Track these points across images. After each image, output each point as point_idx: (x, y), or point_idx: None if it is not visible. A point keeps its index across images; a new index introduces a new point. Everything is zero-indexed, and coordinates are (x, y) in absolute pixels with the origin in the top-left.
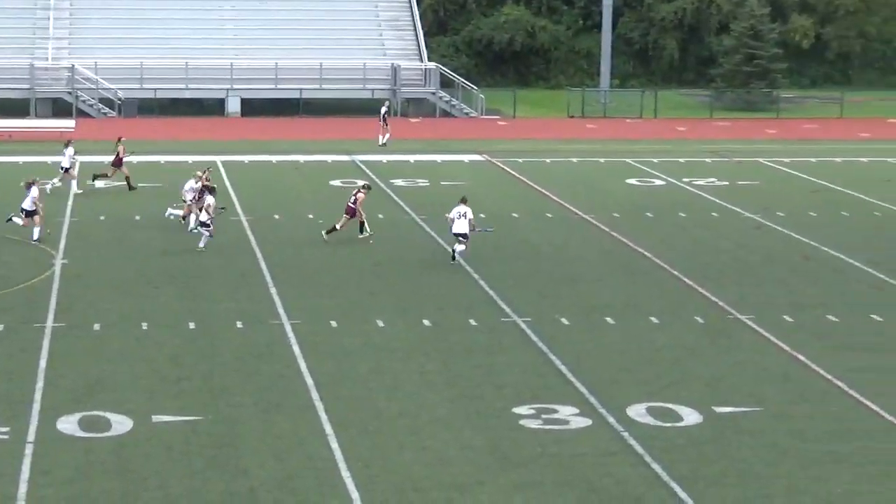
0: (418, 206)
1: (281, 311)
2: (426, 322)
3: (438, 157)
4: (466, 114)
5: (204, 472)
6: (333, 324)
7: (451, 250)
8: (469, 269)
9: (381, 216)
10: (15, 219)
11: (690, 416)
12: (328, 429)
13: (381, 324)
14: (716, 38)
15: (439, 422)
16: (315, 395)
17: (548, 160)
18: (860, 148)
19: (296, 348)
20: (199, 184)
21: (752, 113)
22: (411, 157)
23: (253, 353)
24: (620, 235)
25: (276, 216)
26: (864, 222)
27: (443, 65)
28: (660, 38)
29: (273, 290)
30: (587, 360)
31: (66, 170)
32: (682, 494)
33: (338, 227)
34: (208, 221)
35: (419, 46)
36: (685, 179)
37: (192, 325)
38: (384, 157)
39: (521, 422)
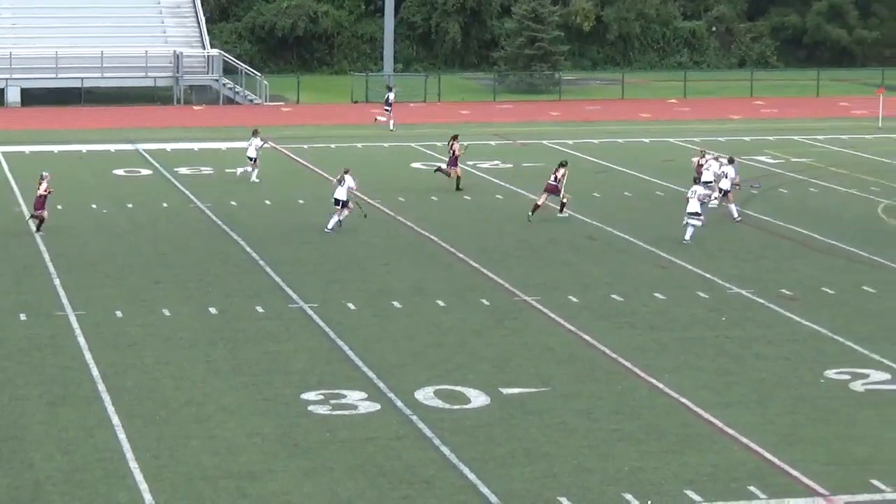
0: (203, 194)
1: (65, 302)
2: (212, 310)
3: (223, 145)
4: (250, 100)
5: None
6: (118, 314)
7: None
8: (255, 256)
9: (165, 204)
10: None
11: (478, 398)
12: (115, 420)
13: (166, 313)
14: (498, 22)
15: (227, 410)
16: (101, 386)
17: (332, 146)
18: (641, 129)
19: (81, 339)
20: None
21: (534, 95)
22: (195, 145)
23: (37, 345)
24: (406, 219)
25: (59, 206)
26: (647, 202)
27: (226, 51)
28: (442, 22)
29: (57, 282)
30: (375, 344)
31: (253, 159)
32: (471, 476)
33: (539, 203)
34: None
35: (201, 33)
36: (469, 163)
37: None
38: (168, 146)
39: (310, 408)
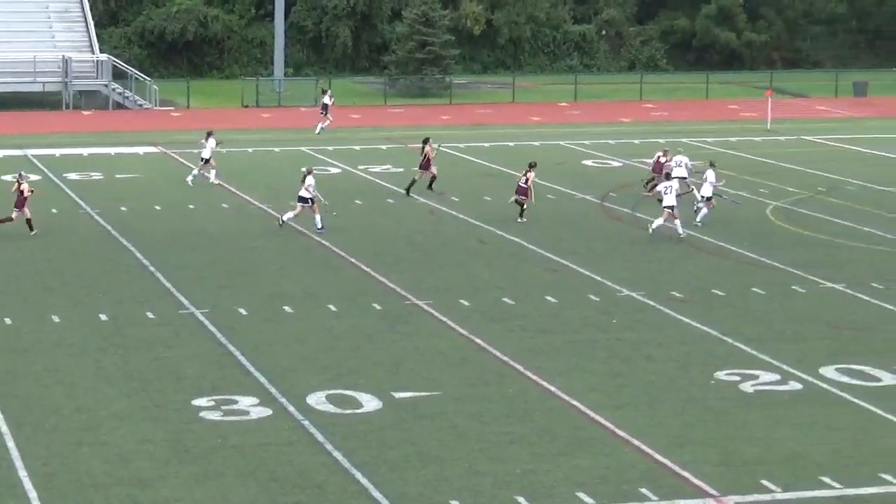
0: (92, 200)
1: None
2: (103, 316)
3: (112, 150)
4: (140, 105)
5: None
6: (7, 321)
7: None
8: (146, 262)
9: (54, 210)
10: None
11: (370, 403)
12: (4, 428)
13: (56, 319)
14: (388, 26)
15: (118, 417)
16: None
17: (223, 150)
18: (532, 132)
19: None
20: None
21: (425, 99)
22: (85, 151)
23: None
24: (297, 224)
25: None
26: (538, 205)
27: (115, 56)
28: (333, 26)
29: None
30: (266, 349)
31: (207, 160)
32: (364, 480)
33: (524, 209)
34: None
35: (90, 38)
36: (360, 167)
37: None
38: (57, 151)
39: (202, 414)
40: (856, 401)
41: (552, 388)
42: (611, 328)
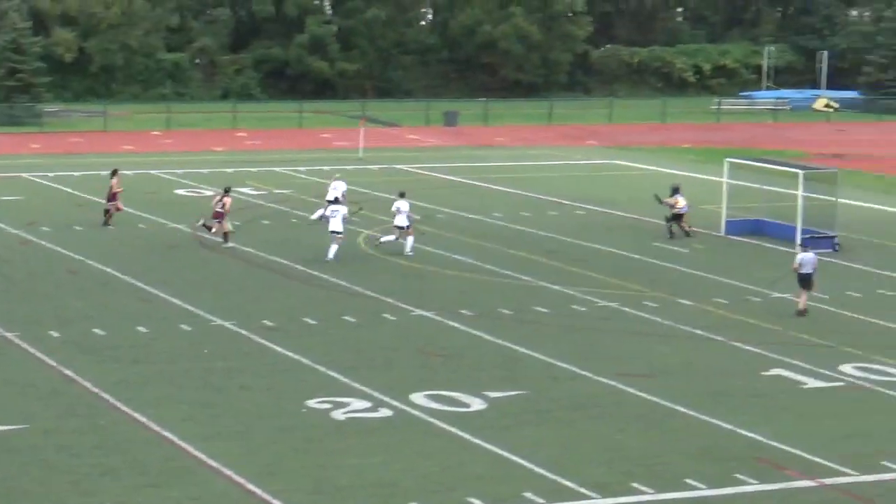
0: None
1: None
2: None
3: None
4: None
5: None
6: None
7: None
8: None
9: None
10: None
11: None
12: None
13: None
14: None
15: None
16: None
17: None
18: (124, 161)
19: None
20: None
21: (15, 127)
22: None
23: None
24: None
25: None
26: (131, 234)
27: None
28: None
29: None
30: None
31: None
32: None
33: (213, 230)
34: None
35: None
36: None
37: None
38: None
39: None
40: (445, 427)
41: (144, 420)
42: (203, 358)
